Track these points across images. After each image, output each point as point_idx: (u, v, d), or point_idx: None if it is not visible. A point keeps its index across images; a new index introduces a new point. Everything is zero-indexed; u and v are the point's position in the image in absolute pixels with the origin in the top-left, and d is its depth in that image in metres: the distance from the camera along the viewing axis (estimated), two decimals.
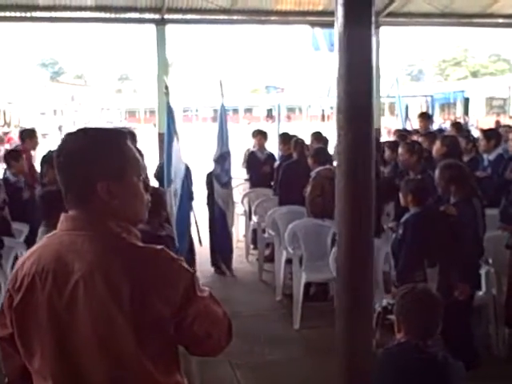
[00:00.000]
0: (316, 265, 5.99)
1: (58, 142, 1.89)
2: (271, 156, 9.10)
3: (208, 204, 7.75)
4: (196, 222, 6.66)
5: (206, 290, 1.86)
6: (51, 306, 1.76)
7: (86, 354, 1.75)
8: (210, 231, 7.68)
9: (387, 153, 7.42)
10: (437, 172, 4.89)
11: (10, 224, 5.56)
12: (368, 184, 2.30)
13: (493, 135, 7.22)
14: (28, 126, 9.48)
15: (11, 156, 6.44)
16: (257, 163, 8.91)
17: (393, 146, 7.39)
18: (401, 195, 4.89)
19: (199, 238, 6.80)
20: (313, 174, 6.49)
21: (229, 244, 7.63)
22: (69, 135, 1.89)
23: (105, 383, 1.77)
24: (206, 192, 7.81)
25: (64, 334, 1.76)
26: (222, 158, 7.29)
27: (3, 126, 32.25)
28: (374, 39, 2.22)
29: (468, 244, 4.65)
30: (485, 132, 7.50)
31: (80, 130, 1.91)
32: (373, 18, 2.22)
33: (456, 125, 9.51)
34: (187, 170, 6.51)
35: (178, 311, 1.76)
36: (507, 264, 5.10)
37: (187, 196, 6.32)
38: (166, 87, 6.45)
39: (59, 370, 1.78)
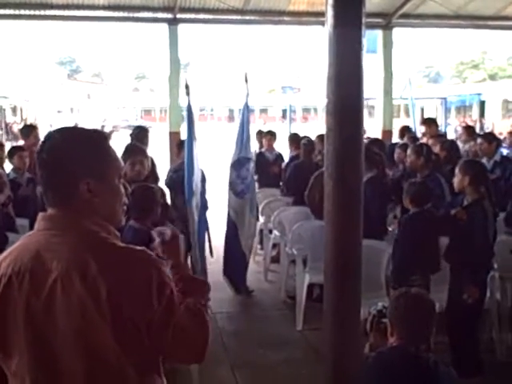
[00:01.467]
0: (320, 266, 5.94)
1: (42, 139, 1.88)
2: (280, 156, 9.09)
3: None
4: (208, 231, 6.25)
5: (187, 302, 1.85)
6: (29, 306, 1.75)
7: (64, 354, 1.75)
8: (225, 243, 6.83)
9: (397, 154, 7.41)
10: (458, 169, 4.84)
11: (14, 220, 5.62)
12: (356, 186, 2.29)
13: (494, 138, 7.27)
14: (39, 122, 9.53)
15: (9, 153, 6.56)
16: (266, 164, 8.90)
17: (403, 147, 7.36)
18: (403, 197, 4.88)
19: (210, 248, 6.37)
20: (316, 173, 6.44)
21: (242, 262, 6.67)
22: (53, 133, 1.89)
23: (83, 382, 1.77)
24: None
25: (42, 333, 1.75)
26: (239, 164, 6.46)
27: (20, 123, 32.49)
28: (364, 40, 2.20)
29: (478, 247, 4.63)
30: (486, 136, 7.56)
31: (64, 129, 1.91)
32: (363, 20, 2.20)
33: (468, 129, 9.41)
34: (202, 176, 6.15)
35: (149, 316, 1.74)
36: None
37: (203, 205, 6.02)
38: (187, 86, 6.00)
39: (37, 370, 1.77)
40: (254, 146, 10.63)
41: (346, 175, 2.28)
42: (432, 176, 5.94)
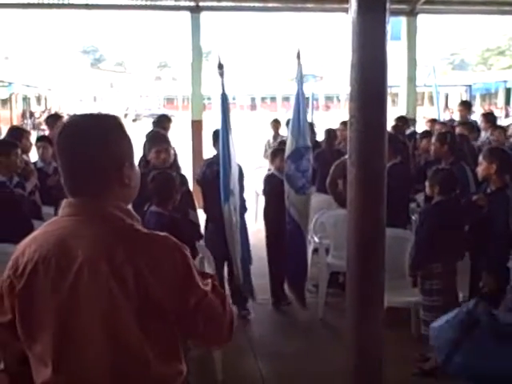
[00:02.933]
0: (342, 254, 5.93)
1: (64, 125, 1.88)
2: None
3: (266, 216, 6.17)
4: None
5: (208, 283, 1.88)
6: (54, 291, 1.78)
7: (89, 339, 1.77)
8: (268, 252, 6.08)
9: (423, 142, 7.41)
10: (483, 157, 4.79)
11: (40, 208, 5.69)
12: (380, 173, 2.27)
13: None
14: (61, 111, 9.62)
15: (36, 143, 6.64)
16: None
17: (427, 137, 7.34)
18: (427, 184, 4.83)
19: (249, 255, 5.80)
20: (337, 161, 6.41)
21: (303, 267, 5.88)
22: (71, 120, 1.90)
23: (106, 368, 1.79)
24: (262, 200, 6.55)
25: (67, 318, 1.78)
26: (298, 154, 5.64)
27: (43, 112, 32.81)
28: (388, 27, 2.17)
29: (497, 235, 4.58)
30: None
31: (82, 116, 1.92)
32: (387, 6, 2.18)
33: (486, 116, 9.27)
34: (239, 173, 5.58)
35: (178, 299, 1.78)
36: None
37: (241, 206, 5.48)
38: (221, 66, 5.24)
39: (61, 355, 1.80)
40: (268, 135, 10.72)
41: (369, 162, 2.27)
42: (457, 164, 5.88)
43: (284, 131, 9.24)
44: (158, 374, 1.82)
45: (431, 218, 4.69)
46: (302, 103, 5.70)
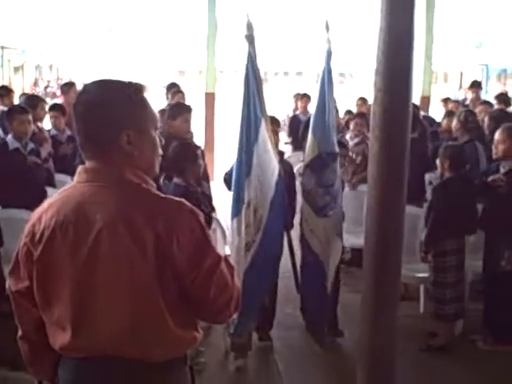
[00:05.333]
0: (352, 230, 5.95)
1: (82, 90, 1.90)
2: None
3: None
4: (294, 262, 4.44)
5: (221, 252, 1.90)
6: (73, 256, 1.79)
7: (108, 302, 1.80)
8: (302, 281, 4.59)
9: (444, 122, 7.42)
10: (499, 133, 4.77)
11: (53, 175, 5.72)
12: (403, 149, 2.26)
13: None
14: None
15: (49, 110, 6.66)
16: (300, 126, 8.87)
17: (449, 115, 7.33)
18: (438, 161, 4.80)
19: (297, 283, 4.55)
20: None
21: (323, 306, 4.51)
22: (89, 85, 1.90)
23: (125, 331, 1.81)
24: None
25: (86, 283, 1.80)
26: (320, 164, 4.21)
27: (56, 81, 32.76)
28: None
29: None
30: None
31: (100, 81, 1.91)
32: None
33: (499, 97, 9.16)
34: (282, 177, 4.04)
35: (194, 261, 1.80)
36: None
37: (279, 222, 4.05)
38: (250, 27, 3.81)
39: (80, 319, 1.82)
40: (289, 110, 10.61)
41: (393, 137, 2.25)
42: (470, 143, 5.86)
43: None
44: (175, 337, 1.86)
45: (444, 194, 4.67)
46: (328, 90, 4.15)
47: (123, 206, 1.78)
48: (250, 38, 3.78)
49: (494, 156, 4.87)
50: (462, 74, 25.85)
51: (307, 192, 4.32)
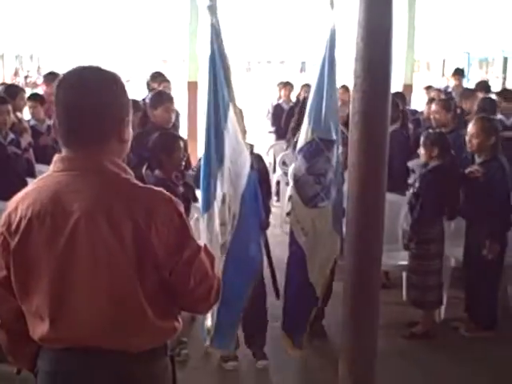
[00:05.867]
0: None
1: (61, 78, 1.83)
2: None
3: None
4: (271, 264, 4.11)
5: (200, 242, 1.90)
6: (50, 246, 1.77)
7: (86, 293, 1.78)
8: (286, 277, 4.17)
9: (426, 109, 7.41)
10: (472, 126, 4.77)
11: (34, 166, 5.66)
12: (383, 135, 2.26)
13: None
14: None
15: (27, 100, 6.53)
16: (282, 115, 8.85)
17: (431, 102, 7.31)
18: (422, 149, 4.79)
19: (276, 289, 4.19)
20: None
21: (301, 301, 4.05)
22: (79, 71, 1.84)
23: (104, 322, 1.80)
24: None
25: (64, 273, 1.78)
26: (314, 150, 3.87)
27: (36, 71, 32.41)
28: None
29: (497, 201, 4.62)
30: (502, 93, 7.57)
31: (86, 68, 1.86)
32: None
33: (480, 84, 9.19)
34: (254, 169, 3.71)
35: (173, 252, 1.79)
36: None
37: (254, 219, 3.72)
38: None
39: (58, 310, 1.80)
40: (273, 99, 10.56)
41: (372, 124, 2.24)
42: (455, 132, 5.87)
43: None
44: (155, 327, 1.84)
45: (434, 181, 4.68)
46: (328, 74, 3.77)
47: (101, 196, 1.76)
48: (213, 9, 3.24)
49: (469, 150, 4.86)
50: (444, 61, 25.98)
51: (297, 179, 3.99)
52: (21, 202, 1.83)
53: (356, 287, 2.44)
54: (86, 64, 1.88)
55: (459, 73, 10.26)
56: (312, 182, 3.87)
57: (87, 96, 1.78)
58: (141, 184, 1.84)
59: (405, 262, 5.03)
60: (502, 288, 5.12)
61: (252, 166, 3.64)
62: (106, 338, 1.80)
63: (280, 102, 9.49)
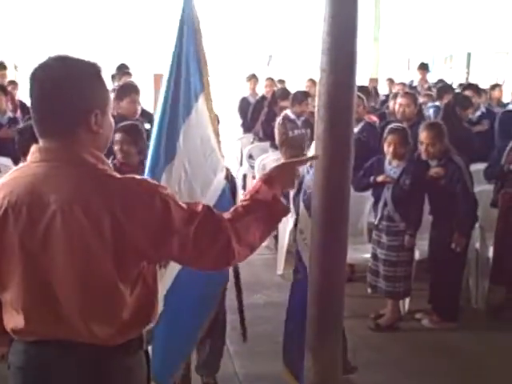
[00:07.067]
0: None
1: (35, 69, 1.81)
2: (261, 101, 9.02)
3: None
4: (239, 292, 3.40)
5: (195, 216, 1.83)
6: (25, 238, 1.74)
7: (62, 287, 1.76)
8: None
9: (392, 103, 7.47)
10: (426, 134, 4.83)
11: None
12: (348, 128, 2.28)
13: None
14: None
15: None
16: (248, 108, 8.85)
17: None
18: (393, 143, 4.82)
19: (243, 330, 3.53)
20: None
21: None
22: (51, 61, 1.82)
23: (80, 315, 1.77)
24: None
25: (38, 266, 1.76)
26: None
27: None
28: None
29: (462, 198, 4.72)
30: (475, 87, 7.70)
31: (63, 58, 1.83)
32: None
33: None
34: (227, 179, 3.15)
35: (159, 241, 1.78)
36: (493, 220, 5.14)
37: None
38: None
39: (32, 304, 1.78)
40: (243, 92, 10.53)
41: (337, 117, 2.26)
42: (415, 126, 5.91)
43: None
44: (128, 321, 1.83)
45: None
46: None
47: (79, 187, 1.74)
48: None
49: (425, 157, 4.87)
50: (408, 59, 26.22)
51: (309, 195, 3.27)
52: None
53: (321, 281, 2.45)
54: (61, 54, 1.86)
55: (424, 67, 10.38)
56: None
57: (71, 86, 1.77)
58: (118, 175, 1.81)
59: (369, 255, 5.07)
60: (463, 280, 5.23)
61: (228, 177, 3.15)
62: (78, 330, 1.78)
63: (246, 95, 9.48)
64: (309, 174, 3.32)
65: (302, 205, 3.43)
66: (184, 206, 1.83)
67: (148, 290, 1.87)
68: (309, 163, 2.97)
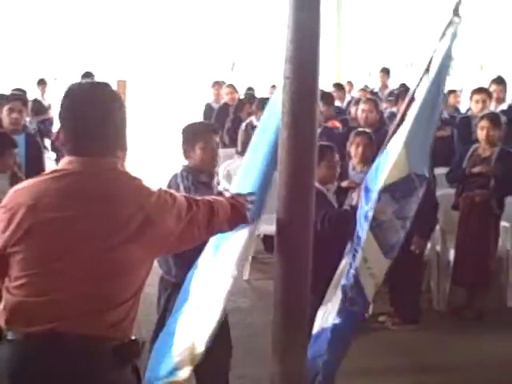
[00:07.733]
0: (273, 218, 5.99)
1: (70, 88, 2.01)
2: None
3: None
4: None
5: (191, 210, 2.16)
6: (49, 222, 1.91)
7: (63, 280, 1.89)
8: None
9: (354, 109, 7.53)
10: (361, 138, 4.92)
11: None
12: (311, 135, 2.33)
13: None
14: None
15: None
16: (212, 114, 8.85)
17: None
18: (362, 145, 4.88)
19: None
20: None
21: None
22: (84, 83, 2.15)
23: (64, 305, 1.88)
24: None
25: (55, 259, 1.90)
26: (408, 188, 2.99)
27: None
28: None
29: (423, 200, 4.79)
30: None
31: (91, 82, 2.26)
32: None
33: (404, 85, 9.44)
34: None
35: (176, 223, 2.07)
36: (454, 222, 5.26)
37: None
38: None
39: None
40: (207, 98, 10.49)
41: (301, 124, 2.31)
42: (378, 132, 6.00)
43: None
44: (119, 312, 1.94)
45: None
46: (440, 90, 3.05)
47: (98, 189, 1.94)
48: None
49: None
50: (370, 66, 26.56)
51: (379, 223, 3.03)
52: (23, 189, 1.99)
53: (286, 284, 2.48)
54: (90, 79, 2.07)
55: (385, 71, 10.54)
56: (399, 227, 3.06)
57: (95, 109, 1.96)
58: (146, 183, 2.04)
59: None
60: (425, 282, 5.33)
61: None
62: (67, 321, 1.86)
63: (210, 101, 9.47)
64: (379, 201, 2.98)
65: (369, 231, 3.01)
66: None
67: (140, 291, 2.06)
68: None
